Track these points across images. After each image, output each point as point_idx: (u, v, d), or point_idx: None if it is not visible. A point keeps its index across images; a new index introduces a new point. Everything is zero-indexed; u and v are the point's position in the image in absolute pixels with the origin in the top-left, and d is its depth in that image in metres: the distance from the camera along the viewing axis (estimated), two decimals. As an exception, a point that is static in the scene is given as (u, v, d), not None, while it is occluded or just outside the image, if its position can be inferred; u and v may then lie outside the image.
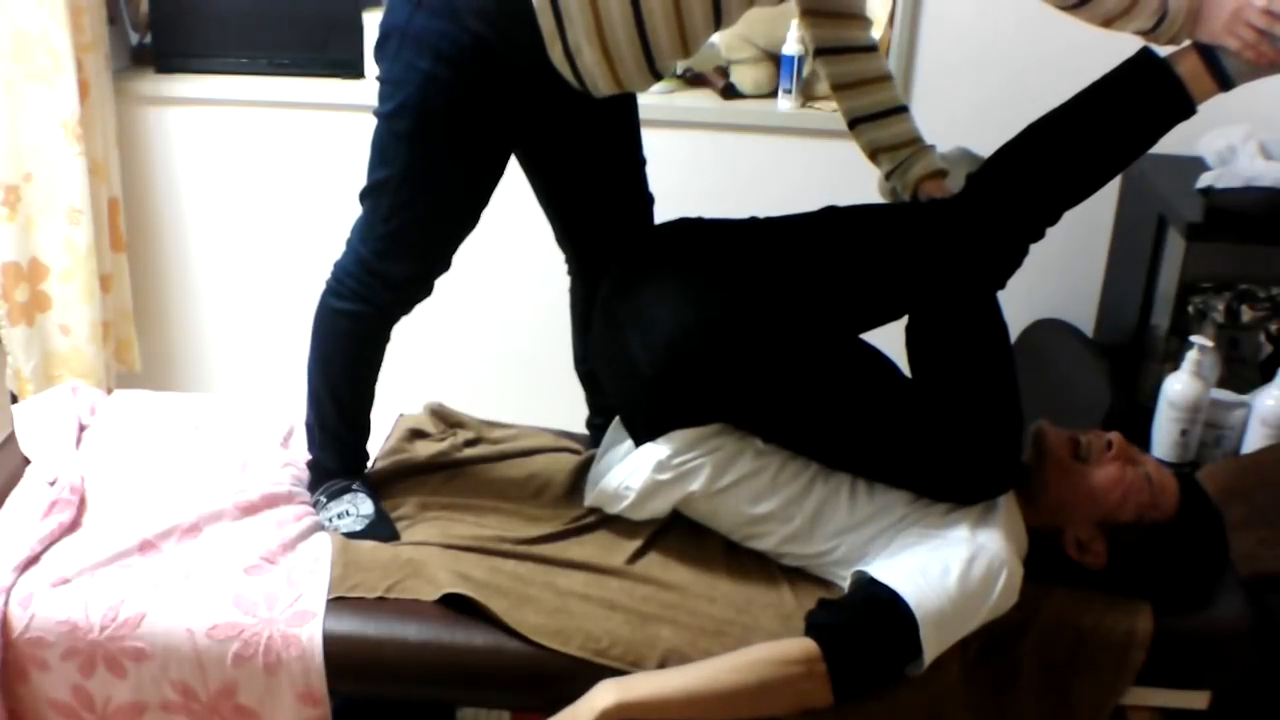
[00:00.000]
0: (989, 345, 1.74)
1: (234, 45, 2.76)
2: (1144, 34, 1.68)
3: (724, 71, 2.76)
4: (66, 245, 2.65)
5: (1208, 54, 1.69)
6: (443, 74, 1.60)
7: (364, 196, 1.72)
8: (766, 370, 1.64)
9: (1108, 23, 1.65)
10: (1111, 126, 1.75)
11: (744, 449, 1.69)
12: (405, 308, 1.78)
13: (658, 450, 1.70)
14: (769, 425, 1.68)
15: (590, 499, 1.81)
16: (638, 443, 1.75)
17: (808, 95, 2.70)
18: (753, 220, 1.82)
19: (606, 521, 1.80)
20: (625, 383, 1.74)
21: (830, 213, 1.82)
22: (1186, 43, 1.70)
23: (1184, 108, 1.73)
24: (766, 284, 1.69)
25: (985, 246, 1.77)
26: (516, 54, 1.59)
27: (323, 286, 1.79)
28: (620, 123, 1.85)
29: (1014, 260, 1.79)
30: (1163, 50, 1.73)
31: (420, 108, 1.62)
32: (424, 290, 1.77)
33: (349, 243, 1.76)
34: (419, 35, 1.60)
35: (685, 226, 1.81)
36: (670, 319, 1.64)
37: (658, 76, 1.66)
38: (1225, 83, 1.70)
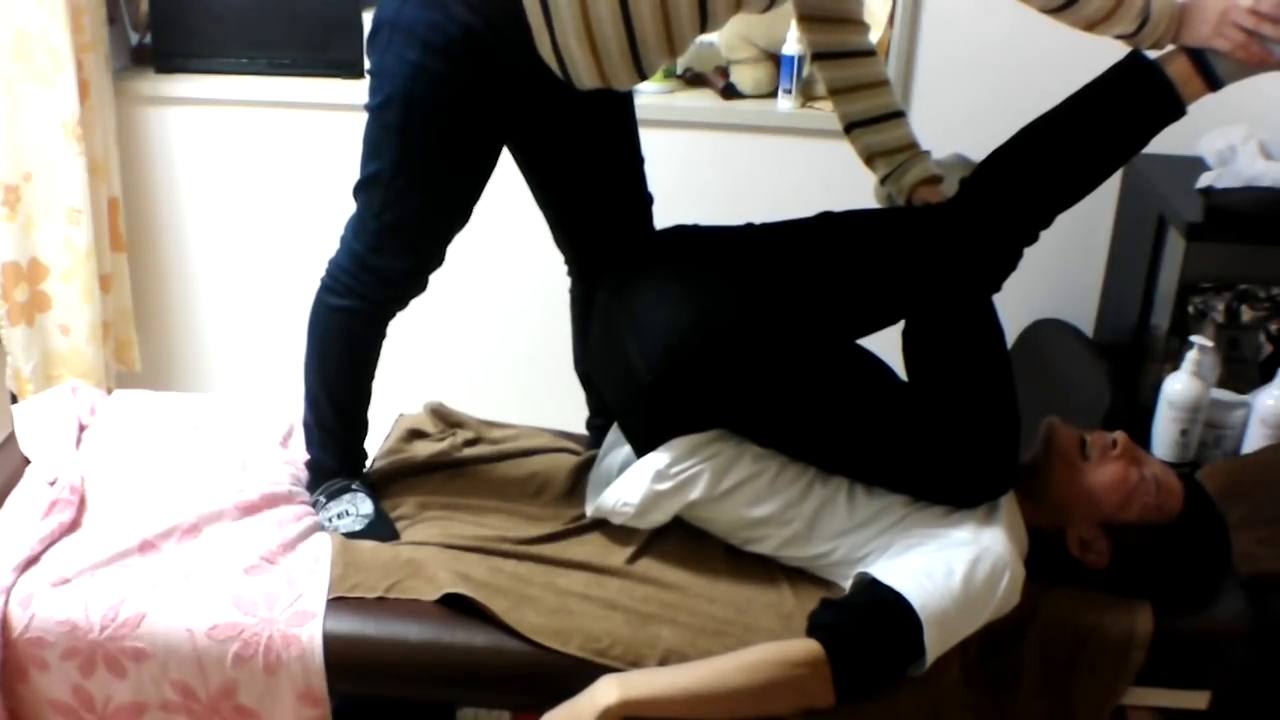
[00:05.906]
0: (985, 348, 1.74)
1: (234, 45, 2.76)
2: (1126, 38, 1.69)
3: (724, 71, 2.76)
4: (66, 245, 2.65)
5: (1196, 55, 1.70)
6: (431, 65, 1.59)
7: (357, 191, 1.72)
8: (763, 376, 1.63)
9: (1090, 27, 1.65)
10: (1103, 129, 1.76)
11: (742, 453, 1.69)
12: (400, 303, 1.78)
13: (656, 459, 1.69)
14: (766, 431, 1.68)
15: (590, 511, 1.81)
16: (636, 449, 1.75)
17: (808, 95, 2.70)
18: (748, 226, 1.82)
19: (606, 521, 1.80)
20: (623, 389, 1.74)
21: (826, 218, 1.82)
22: (1171, 46, 1.71)
23: (1174, 109, 1.74)
24: (763, 290, 1.69)
25: (979, 251, 1.77)
26: (504, 45, 1.59)
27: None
28: (617, 121, 1.85)
29: (1008, 264, 1.79)
30: (1152, 52, 1.73)
31: (409, 99, 1.62)
32: (418, 285, 1.77)
33: (343, 238, 1.75)
34: (408, 26, 1.59)
35: (682, 234, 1.81)
36: (666, 325, 1.64)
37: (644, 75, 1.66)
38: (1214, 83, 1.72)
